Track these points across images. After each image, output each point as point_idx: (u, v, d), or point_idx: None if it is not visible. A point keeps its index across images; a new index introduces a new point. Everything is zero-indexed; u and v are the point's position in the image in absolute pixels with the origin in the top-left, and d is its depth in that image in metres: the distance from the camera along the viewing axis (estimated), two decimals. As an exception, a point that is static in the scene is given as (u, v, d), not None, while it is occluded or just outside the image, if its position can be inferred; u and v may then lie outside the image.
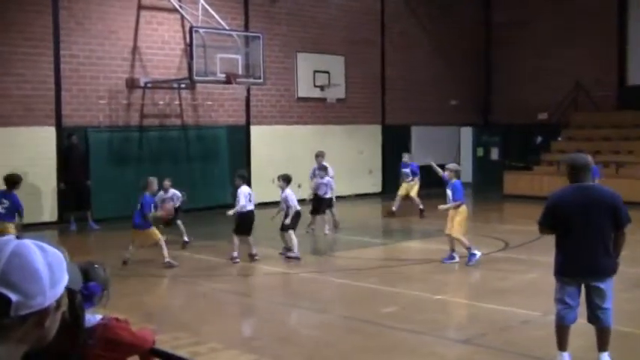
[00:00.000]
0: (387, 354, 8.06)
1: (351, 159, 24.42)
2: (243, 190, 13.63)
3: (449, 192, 12.70)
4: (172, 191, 15.05)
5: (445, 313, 9.91)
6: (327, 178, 17.17)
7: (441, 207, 12.83)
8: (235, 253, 13.21)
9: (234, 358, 7.86)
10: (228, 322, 9.91)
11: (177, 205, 14.99)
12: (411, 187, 19.54)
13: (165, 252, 12.81)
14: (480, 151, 29.55)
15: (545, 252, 12.96)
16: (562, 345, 7.09)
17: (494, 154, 29.37)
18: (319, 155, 17.92)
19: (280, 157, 23.07)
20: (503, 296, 10.56)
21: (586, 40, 27.01)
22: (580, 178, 6.90)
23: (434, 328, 8.96)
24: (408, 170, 19.71)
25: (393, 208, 19.74)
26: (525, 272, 12.32)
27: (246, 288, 11.84)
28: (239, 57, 19.93)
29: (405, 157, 20.10)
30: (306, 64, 23.83)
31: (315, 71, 24.05)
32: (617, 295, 10.70)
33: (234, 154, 22.05)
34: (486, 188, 24.42)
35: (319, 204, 17.00)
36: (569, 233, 6.86)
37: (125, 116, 19.91)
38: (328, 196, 17.21)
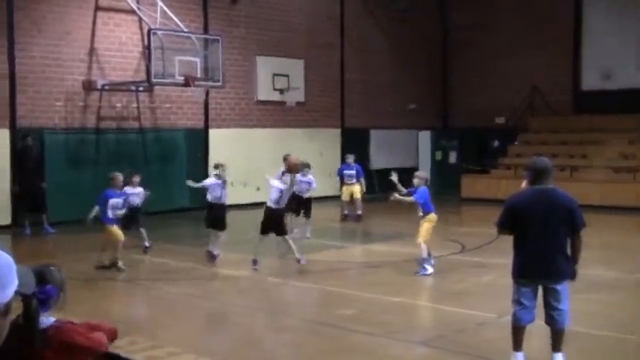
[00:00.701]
0: (346, 357, 8.08)
1: (310, 162, 24.39)
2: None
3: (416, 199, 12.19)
4: (140, 189, 14.82)
5: (403, 315, 9.95)
6: (309, 176, 17.09)
7: (394, 197, 12.46)
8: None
9: (192, 362, 7.81)
10: (186, 325, 9.84)
11: (138, 204, 14.71)
12: (354, 189, 19.27)
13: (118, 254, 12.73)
14: (439, 155, 29.76)
15: (501, 254, 13.12)
16: (517, 345, 7.17)
17: (453, 157, 29.61)
18: (287, 159, 17.77)
19: (239, 161, 22.99)
20: (460, 298, 10.64)
21: (542, 45, 27.38)
22: (540, 180, 6.98)
23: (392, 330, 9.00)
24: (353, 172, 19.46)
25: (345, 212, 19.72)
26: (482, 274, 12.43)
27: (205, 291, 11.76)
28: (198, 59, 19.85)
29: (350, 159, 19.85)
30: (265, 67, 23.80)
31: (275, 74, 24.03)
32: (571, 296, 10.87)
33: (192, 157, 21.93)
34: (444, 191, 24.58)
35: (299, 204, 16.89)
36: (527, 235, 6.94)
37: (82, 118, 19.69)
38: (307, 195, 17.13)
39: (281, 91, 24.16)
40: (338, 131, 26.49)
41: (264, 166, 23.52)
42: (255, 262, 12.91)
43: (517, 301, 7.14)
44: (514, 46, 27.98)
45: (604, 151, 24.31)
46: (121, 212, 13.03)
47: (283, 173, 17.18)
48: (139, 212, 14.58)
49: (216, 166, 14.61)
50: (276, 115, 24.40)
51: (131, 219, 14.59)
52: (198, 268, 13.08)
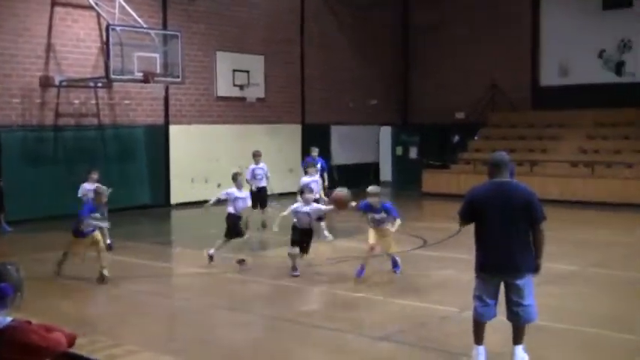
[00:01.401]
0: (308, 352, 8.08)
1: (271, 158, 24.28)
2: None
3: (381, 215, 11.69)
4: (97, 185, 14.57)
5: (365, 310, 9.97)
6: (262, 164, 17.67)
7: (393, 229, 11.70)
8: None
9: (153, 361, 7.75)
10: (147, 324, 9.76)
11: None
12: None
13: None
14: (399, 150, 29.92)
15: (461, 249, 13.24)
16: (478, 339, 7.19)
17: (413, 153, 29.79)
18: (257, 155, 17.82)
19: (200, 157, 22.91)
20: (421, 293, 10.70)
21: (502, 42, 27.67)
22: (497, 174, 7.00)
23: (354, 325, 9.01)
24: (317, 166, 19.46)
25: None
26: (443, 269, 12.52)
27: (166, 289, 11.67)
28: (157, 55, 19.70)
29: (314, 152, 19.82)
30: (225, 63, 23.70)
31: (235, 70, 23.94)
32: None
33: (152, 153, 21.77)
34: (405, 187, 24.76)
35: (257, 196, 17.14)
36: (485, 229, 6.95)
37: (39, 115, 19.41)
38: (263, 184, 17.53)
39: (241, 87, 24.09)
40: (299, 127, 26.48)
41: (224, 163, 23.49)
42: (211, 258, 12.91)
43: (478, 297, 7.12)
44: (474, 43, 28.22)
45: (562, 145, 24.63)
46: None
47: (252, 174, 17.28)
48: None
49: (235, 176, 13.69)
50: (236, 111, 24.31)
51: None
52: (158, 266, 12.99)
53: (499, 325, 7.46)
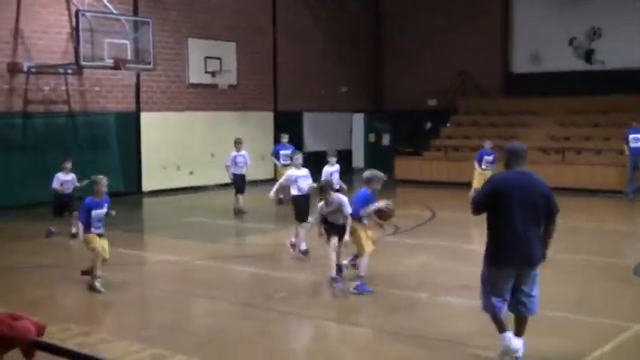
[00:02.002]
0: (279, 338, 8.10)
1: (243, 145, 24.29)
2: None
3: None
4: (72, 175, 14.46)
5: (337, 297, 10.01)
6: (243, 152, 17.58)
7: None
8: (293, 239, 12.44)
9: (125, 349, 7.71)
10: (119, 312, 9.73)
11: (71, 191, 14.38)
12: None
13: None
14: (372, 137, 29.96)
15: (434, 236, 13.34)
16: (502, 328, 6.98)
17: (386, 139, 29.84)
18: (239, 142, 17.79)
19: (172, 144, 22.78)
20: (393, 280, 10.75)
21: (473, 29, 27.76)
22: (516, 164, 6.91)
23: (327, 311, 9.05)
24: (288, 152, 19.19)
25: (280, 196, 19.52)
26: (415, 256, 12.59)
27: (138, 277, 11.61)
28: (128, 42, 19.53)
29: (285, 138, 19.83)
30: (197, 50, 23.55)
31: (207, 57, 23.80)
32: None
33: (123, 141, 21.61)
34: (378, 174, 24.78)
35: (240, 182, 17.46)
36: (507, 219, 6.72)
37: (7, 102, 19.16)
38: (244, 171, 17.57)
39: (213, 74, 23.96)
40: (271, 114, 26.41)
41: (196, 150, 23.40)
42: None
43: (494, 292, 6.85)
44: (446, 31, 28.29)
45: (533, 132, 24.80)
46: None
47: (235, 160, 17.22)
48: (72, 198, 14.26)
49: (292, 157, 13.25)
50: (208, 98, 24.20)
51: (64, 205, 14.31)
52: (131, 254, 12.91)
53: (475, 314, 7.50)
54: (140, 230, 16.76)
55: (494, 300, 6.86)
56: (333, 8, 28.49)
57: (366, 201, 10.04)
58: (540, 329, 8.23)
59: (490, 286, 6.89)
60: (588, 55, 26.18)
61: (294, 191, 12.54)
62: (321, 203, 10.35)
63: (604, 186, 21.06)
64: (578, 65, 26.23)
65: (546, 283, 10.63)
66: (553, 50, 26.59)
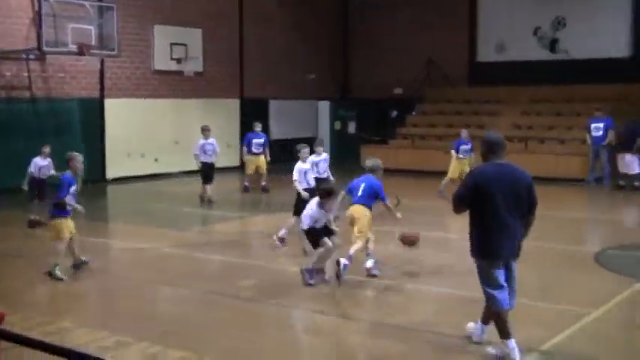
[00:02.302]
0: (246, 326, 8.10)
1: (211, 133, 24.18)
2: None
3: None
4: (49, 160, 14.26)
5: (301, 284, 10.02)
6: (211, 139, 17.34)
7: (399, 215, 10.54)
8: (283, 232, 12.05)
9: (88, 336, 7.67)
10: (83, 300, 9.67)
11: (48, 176, 14.19)
12: (260, 161, 19.12)
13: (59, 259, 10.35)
14: (338, 125, 29.96)
15: (399, 223, 13.33)
16: (508, 332, 6.77)
17: (352, 127, 29.88)
18: (207, 130, 17.52)
19: (137, 131, 22.60)
20: (361, 267, 10.78)
21: (440, 18, 27.86)
22: (494, 155, 6.77)
23: (293, 299, 9.07)
24: (261, 140, 19.27)
25: (246, 183, 19.57)
26: (382, 242, 12.61)
27: (103, 265, 11.50)
28: (92, 28, 19.34)
29: (258, 127, 19.69)
30: (162, 36, 23.34)
31: (172, 44, 23.61)
32: (467, 263, 11.21)
33: (87, 127, 21.37)
34: (344, 161, 24.78)
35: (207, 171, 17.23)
36: (492, 212, 6.60)
37: (-31, 88, 18.88)
38: (213, 160, 17.34)
39: (178, 61, 23.79)
40: (237, 101, 26.31)
41: (161, 137, 23.23)
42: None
43: (494, 285, 6.73)
44: (412, 20, 28.38)
45: (498, 121, 24.98)
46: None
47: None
48: (47, 184, 14.07)
49: (301, 149, 12.49)
50: (173, 84, 24.02)
51: (39, 190, 14.14)
52: (95, 242, 12.80)
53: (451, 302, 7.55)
54: (105, 218, 16.62)
55: (495, 292, 6.71)
56: (299, -5, 28.42)
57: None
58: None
59: (489, 279, 6.76)
60: (552, 45, 26.41)
61: (303, 185, 12.17)
62: (316, 209, 9.84)
63: (567, 174, 21.30)
64: (543, 55, 26.45)
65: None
66: (518, 40, 26.78)
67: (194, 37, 24.27)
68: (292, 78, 28.07)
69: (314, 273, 9.65)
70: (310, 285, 9.46)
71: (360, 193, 10.14)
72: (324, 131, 30.27)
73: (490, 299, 6.78)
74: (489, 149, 6.80)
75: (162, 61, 23.40)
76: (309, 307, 8.75)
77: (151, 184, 21.55)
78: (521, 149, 23.03)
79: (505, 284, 6.74)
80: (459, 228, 14.56)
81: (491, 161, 6.77)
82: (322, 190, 10.05)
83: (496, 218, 6.59)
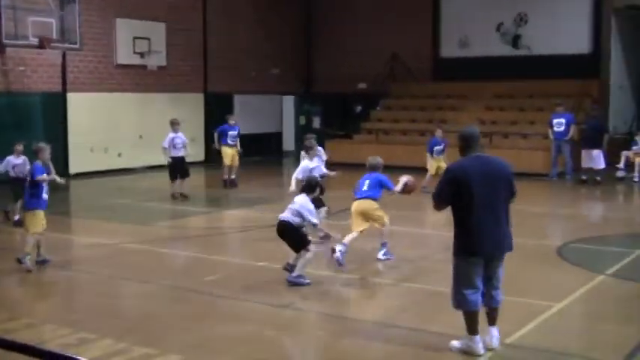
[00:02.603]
0: (210, 322, 8.07)
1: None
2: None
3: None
4: (24, 157, 13.95)
5: (267, 279, 10.01)
6: (180, 133, 17.13)
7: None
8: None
9: (51, 333, 7.58)
10: (46, 296, 9.56)
11: (24, 174, 13.90)
12: (236, 152, 19.06)
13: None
14: (302, 120, 29.97)
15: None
16: (474, 330, 6.76)
17: (316, 122, 29.88)
18: (176, 123, 17.27)
19: (99, 126, 22.38)
20: (321, 261, 10.80)
21: (404, 13, 27.96)
22: (471, 149, 6.70)
23: (257, 294, 9.05)
24: (235, 132, 19.18)
25: (231, 176, 19.26)
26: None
27: (67, 260, 11.36)
28: (53, 20, 19.10)
29: (233, 120, 19.47)
30: (125, 29, 23.12)
31: (135, 37, 23.40)
32: (431, 257, 11.28)
33: (49, 122, 21.12)
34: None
35: (177, 166, 17.08)
36: (473, 208, 6.49)
37: None
38: (182, 154, 17.17)
39: (142, 55, 23.59)
40: (201, 96, 26.17)
41: (125, 132, 23.03)
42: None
43: (468, 284, 6.62)
44: (377, 14, 28.44)
45: (462, 116, 25.15)
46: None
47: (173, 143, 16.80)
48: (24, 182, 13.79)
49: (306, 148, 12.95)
50: (137, 79, 23.82)
51: (18, 189, 13.83)
52: (58, 237, 12.65)
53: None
54: (68, 213, 16.43)
55: (468, 292, 6.62)
56: (264, -10, 28.35)
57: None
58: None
59: (463, 278, 6.66)
60: (515, 41, 26.63)
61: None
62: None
63: (530, 169, 21.47)
64: (506, 50, 26.67)
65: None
66: (481, 35, 26.96)
67: (157, 31, 24.08)
68: (257, 72, 27.98)
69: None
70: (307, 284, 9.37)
71: (365, 188, 10.58)
72: (288, 126, 30.28)
73: (460, 299, 6.69)
74: (465, 143, 6.74)
75: (125, 55, 23.19)
76: (275, 302, 8.74)
77: (115, 179, 21.37)
78: (486, 144, 23.18)
79: (480, 285, 6.65)
80: (431, 223, 14.65)
81: (469, 155, 6.70)
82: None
83: (478, 214, 6.49)
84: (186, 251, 11.93)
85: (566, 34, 25.38)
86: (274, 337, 7.63)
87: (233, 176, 19.17)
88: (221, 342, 7.42)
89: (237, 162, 19.15)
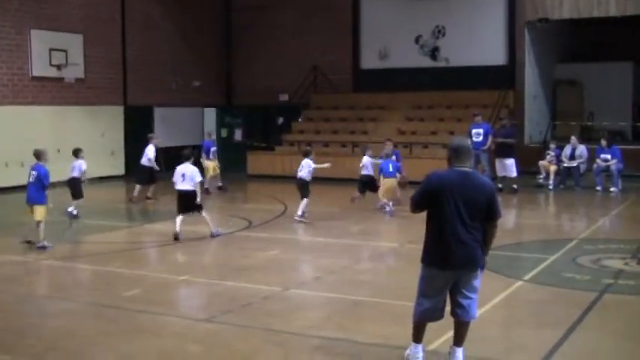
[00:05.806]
0: (130, 337, 7.93)
1: (92, 141, 23.52)
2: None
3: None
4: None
5: (189, 293, 9.91)
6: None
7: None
8: None
9: (-37, 355, 7.33)
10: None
11: None
12: (216, 164, 20.75)
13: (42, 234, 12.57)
14: (224, 132, 29.79)
15: (285, 230, 13.44)
16: (418, 338, 6.74)
17: (238, 135, 29.76)
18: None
19: (15, 140, 21.79)
20: (245, 274, 10.76)
21: (324, 25, 28.15)
22: (458, 161, 6.52)
23: (178, 308, 8.96)
24: (215, 148, 21.05)
25: (219, 184, 21.04)
26: (267, 249, 12.63)
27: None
28: (-36, 32, 18.55)
29: (213, 136, 21.62)
30: (40, 41, 22.60)
31: (52, 49, 22.90)
32: (352, 267, 11.34)
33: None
34: (231, 168, 24.69)
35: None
36: (445, 220, 6.36)
37: None
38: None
39: (58, 67, 23.10)
40: (120, 109, 25.78)
41: (43, 146, 22.46)
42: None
43: (429, 296, 6.54)
44: (297, 27, 28.55)
45: (382, 127, 25.41)
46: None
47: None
48: None
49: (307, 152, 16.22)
50: (53, 91, 23.31)
51: None
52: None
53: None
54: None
55: (426, 304, 6.55)
56: (184, 2, 28.14)
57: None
58: (385, 317, 8.49)
59: (424, 287, 6.57)
60: (433, 53, 27.09)
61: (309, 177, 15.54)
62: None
63: (449, 178, 21.86)
64: (425, 62, 27.09)
65: (390, 273, 11.01)
66: (400, 47, 27.32)
67: (75, 43, 23.63)
68: (177, 85, 27.75)
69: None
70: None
71: (390, 170, 16.39)
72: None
73: (415, 306, 6.66)
74: (453, 154, 6.55)
75: (40, 68, 22.66)
76: (195, 315, 8.65)
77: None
78: (406, 154, 23.47)
79: (439, 296, 6.53)
80: (355, 233, 14.72)
81: (454, 167, 6.52)
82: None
83: (449, 226, 6.34)
84: (106, 266, 11.70)
85: (483, 46, 25.97)
86: (195, 351, 7.54)
87: (220, 183, 20.99)
88: (142, 357, 7.30)
89: (218, 171, 20.90)
